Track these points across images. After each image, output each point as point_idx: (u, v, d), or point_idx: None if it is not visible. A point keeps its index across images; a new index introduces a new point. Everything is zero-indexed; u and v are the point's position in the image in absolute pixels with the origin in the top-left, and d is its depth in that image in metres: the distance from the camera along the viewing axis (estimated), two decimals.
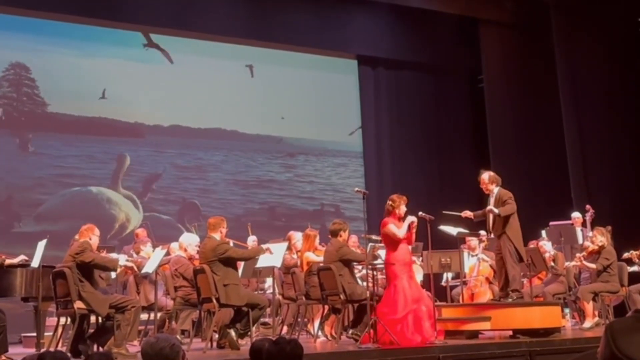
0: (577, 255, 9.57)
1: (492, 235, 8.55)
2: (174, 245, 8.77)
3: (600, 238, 9.22)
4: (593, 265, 9.22)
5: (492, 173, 8.45)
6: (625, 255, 9.80)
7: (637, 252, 9.69)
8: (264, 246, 8.04)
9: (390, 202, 7.68)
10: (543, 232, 10.80)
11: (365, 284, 7.96)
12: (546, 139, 14.24)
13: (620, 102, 13.29)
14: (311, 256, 8.38)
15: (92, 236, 7.18)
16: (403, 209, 7.58)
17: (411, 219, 7.51)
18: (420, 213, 7.63)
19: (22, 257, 7.73)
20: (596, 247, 9.23)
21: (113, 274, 8.32)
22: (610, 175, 13.11)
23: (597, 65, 13.46)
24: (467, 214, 8.21)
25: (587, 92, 13.54)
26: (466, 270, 10.05)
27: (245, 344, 7.27)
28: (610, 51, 13.34)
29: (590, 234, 9.70)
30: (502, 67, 14.98)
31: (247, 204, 13.96)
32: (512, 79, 14.75)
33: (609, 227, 9.56)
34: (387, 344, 7.03)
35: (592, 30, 13.57)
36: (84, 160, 12.78)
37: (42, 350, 6.53)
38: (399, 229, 7.45)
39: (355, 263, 8.04)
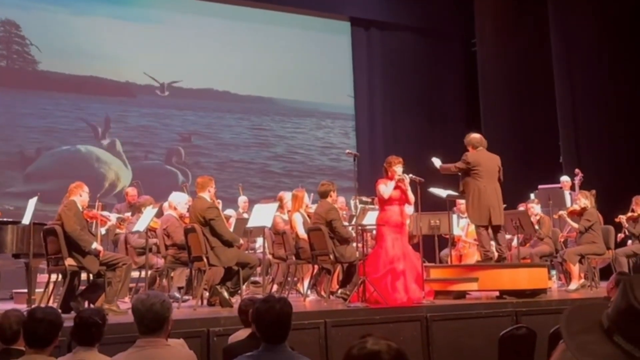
0: (560, 212, 9.70)
1: None
2: (166, 204, 8.79)
3: (584, 200, 9.36)
4: (575, 225, 9.36)
5: (468, 136, 8.41)
6: (617, 219, 9.91)
7: (626, 216, 9.79)
8: (242, 241, 8.18)
9: (385, 163, 7.74)
10: (532, 195, 10.88)
11: (354, 244, 8.04)
12: (538, 103, 14.23)
13: (613, 68, 13.26)
14: (297, 220, 8.45)
15: (82, 193, 7.17)
16: (398, 170, 7.60)
17: (398, 177, 7.54)
18: (410, 175, 7.66)
19: None
20: (578, 208, 9.35)
21: (103, 230, 8.32)
22: (600, 139, 13.16)
23: (591, 30, 13.40)
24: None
25: (579, 56, 13.52)
26: (456, 232, 10.13)
27: (235, 302, 7.35)
28: (603, 15, 13.27)
29: None
30: (495, 31, 14.88)
31: (238, 164, 13.97)
32: (505, 43, 14.67)
33: (593, 191, 9.67)
34: (374, 302, 7.12)
35: None
36: (73, 119, 12.72)
37: (33, 306, 6.59)
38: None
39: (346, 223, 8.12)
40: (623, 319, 1.55)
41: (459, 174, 8.21)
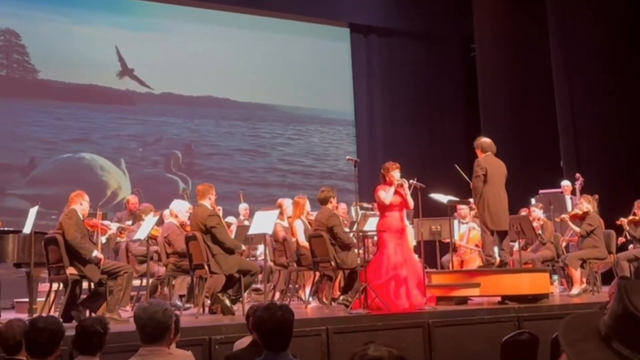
0: (562, 215, 9.70)
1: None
2: (166, 212, 8.79)
3: (587, 205, 9.36)
4: (577, 229, 9.36)
5: (479, 139, 8.43)
6: (618, 222, 9.91)
7: (627, 219, 9.78)
8: (244, 248, 8.10)
9: (382, 169, 7.73)
10: (532, 200, 10.87)
11: (355, 251, 8.04)
12: (538, 107, 14.21)
13: (613, 68, 13.22)
14: (298, 227, 8.44)
15: (82, 201, 7.18)
16: (395, 175, 7.60)
17: (397, 182, 7.53)
18: (411, 181, 7.66)
19: None
20: (580, 213, 9.35)
21: (104, 239, 8.32)
22: (600, 143, 13.12)
23: (591, 30, 13.37)
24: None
25: (579, 59, 13.49)
26: (456, 237, 10.12)
27: (237, 309, 7.35)
28: (603, 15, 13.24)
29: None
30: (494, 35, 14.89)
31: (238, 172, 13.97)
32: (505, 47, 14.67)
33: (596, 196, 9.67)
34: (376, 309, 7.11)
35: None
36: (75, 127, 12.73)
37: (35, 315, 6.58)
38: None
39: (347, 229, 8.12)
40: (620, 325, 1.55)
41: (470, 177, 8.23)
